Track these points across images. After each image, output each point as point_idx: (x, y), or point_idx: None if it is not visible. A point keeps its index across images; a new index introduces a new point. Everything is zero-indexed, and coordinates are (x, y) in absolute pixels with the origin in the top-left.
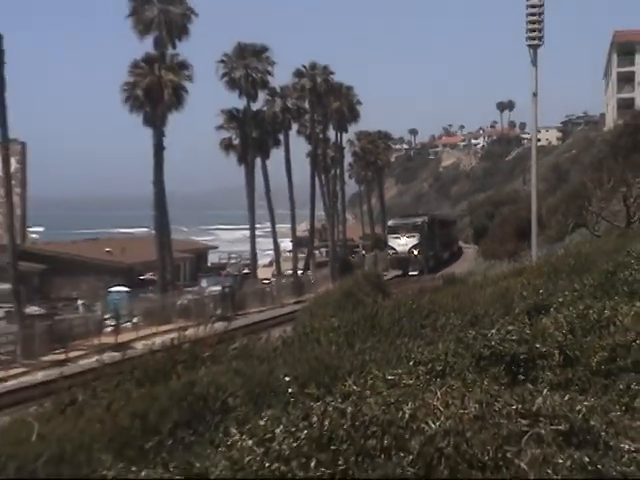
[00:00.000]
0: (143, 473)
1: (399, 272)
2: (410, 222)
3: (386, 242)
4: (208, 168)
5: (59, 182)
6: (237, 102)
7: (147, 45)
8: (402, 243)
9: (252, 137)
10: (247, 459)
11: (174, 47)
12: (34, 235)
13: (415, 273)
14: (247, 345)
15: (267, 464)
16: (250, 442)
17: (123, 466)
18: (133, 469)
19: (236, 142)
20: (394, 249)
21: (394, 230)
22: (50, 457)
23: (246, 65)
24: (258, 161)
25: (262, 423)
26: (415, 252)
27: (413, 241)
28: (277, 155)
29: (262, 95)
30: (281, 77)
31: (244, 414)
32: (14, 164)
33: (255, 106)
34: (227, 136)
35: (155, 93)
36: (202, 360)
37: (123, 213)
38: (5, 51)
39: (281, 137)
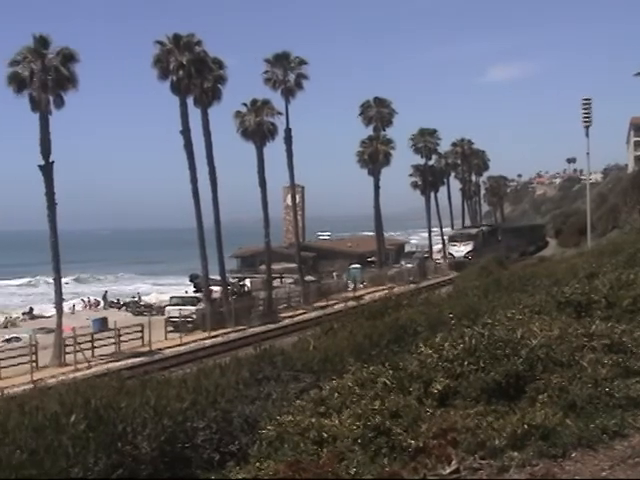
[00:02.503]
0: (371, 368)
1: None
2: (465, 233)
3: (447, 249)
4: (404, 197)
5: (328, 206)
6: (419, 160)
7: (369, 130)
8: (459, 250)
9: (428, 180)
10: (428, 360)
11: (384, 130)
12: (324, 237)
13: None
14: (428, 297)
15: (439, 363)
16: (430, 351)
17: (359, 365)
18: (365, 366)
19: (419, 183)
20: (452, 255)
21: (453, 239)
22: (319, 359)
23: (424, 140)
24: (432, 194)
25: (437, 340)
26: (469, 257)
27: (468, 248)
28: (443, 190)
29: (434, 156)
30: (445, 145)
31: (426, 335)
32: (298, 198)
33: (430, 162)
34: (414, 180)
35: (374, 157)
36: (402, 305)
37: (360, 222)
38: (293, 138)
39: (444, 180)
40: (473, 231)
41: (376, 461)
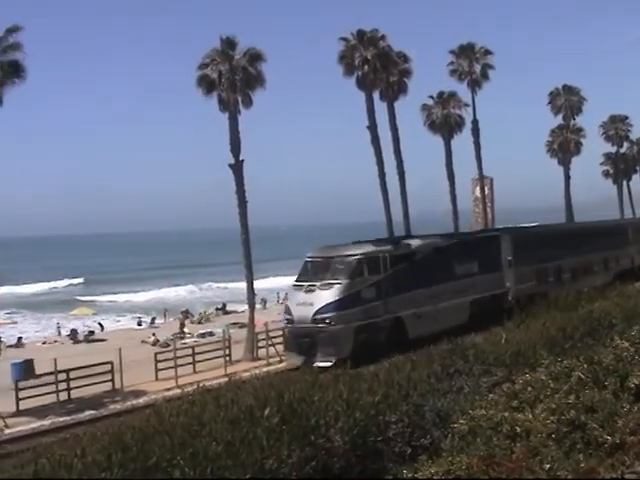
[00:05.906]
0: (564, 362)
1: (298, 361)
2: (338, 259)
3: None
4: (593, 185)
5: (517, 197)
6: (610, 148)
7: (558, 119)
8: (306, 301)
9: (620, 168)
10: (624, 354)
11: (574, 119)
12: None
13: (327, 364)
14: (622, 290)
15: (636, 357)
16: (626, 344)
17: (553, 358)
18: (558, 359)
19: (611, 171)
20: (289, 314)
21: (305, 275)
22: (512, 352)
23: (616, 127)
24: (625, 182)
25: (633, 333)
26: (328, 321)
27: (327, 298)
28: (636, 178)
29: (625, 143)
30: (637, 131)
31: (622, 328)
32: (487, 190)
33: (621, 150)
34: (605, 168)
35: (564, 146)
36: (596, 298)
37: (549, 214)
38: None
39: (637, 168)
40: (353, 256)
41: (571, 457)
